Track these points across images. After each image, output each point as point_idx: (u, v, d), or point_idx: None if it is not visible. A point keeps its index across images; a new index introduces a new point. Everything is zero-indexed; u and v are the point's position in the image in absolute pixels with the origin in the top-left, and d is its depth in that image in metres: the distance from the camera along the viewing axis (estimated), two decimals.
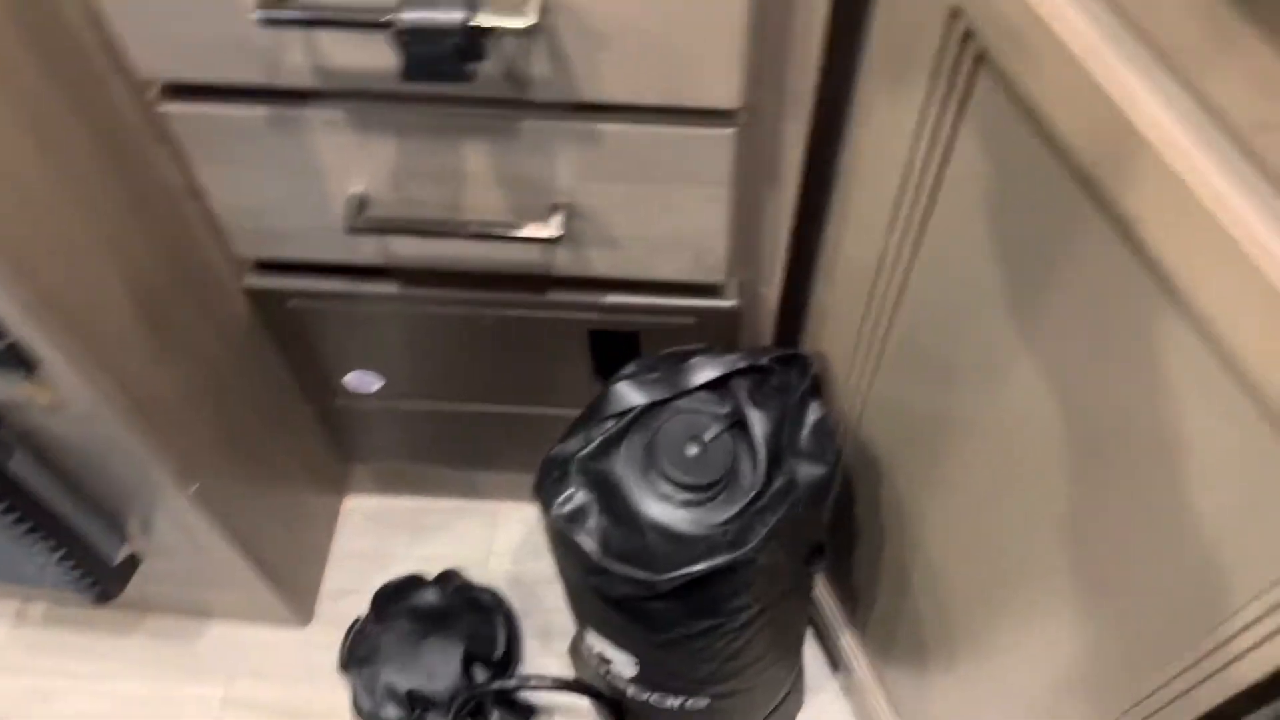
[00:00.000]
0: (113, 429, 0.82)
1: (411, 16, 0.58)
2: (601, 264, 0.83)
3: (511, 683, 1.15)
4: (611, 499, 0.80)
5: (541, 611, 1.26)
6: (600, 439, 0.81)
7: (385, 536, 1.32)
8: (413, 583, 1.22)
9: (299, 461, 1.19)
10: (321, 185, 0.77)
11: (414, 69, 0.60)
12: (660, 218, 0.78)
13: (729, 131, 0.70)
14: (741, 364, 0.83)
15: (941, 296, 0.69)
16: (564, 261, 0.83)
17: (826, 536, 0.91)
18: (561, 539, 0.80)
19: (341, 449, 1.20)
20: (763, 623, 0.89)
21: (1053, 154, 0.51)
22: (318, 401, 1.08)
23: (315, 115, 0.71)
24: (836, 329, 0.87)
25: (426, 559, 1.28)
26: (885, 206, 0.69)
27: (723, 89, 0.66)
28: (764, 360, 0.84)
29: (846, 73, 0.75)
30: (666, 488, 0.79)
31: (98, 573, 0.98)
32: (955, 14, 0.54)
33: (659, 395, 0.83)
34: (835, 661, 1.18)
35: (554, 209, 0.77)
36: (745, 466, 0.81)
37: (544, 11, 0.61)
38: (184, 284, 0.87)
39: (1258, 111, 0.41)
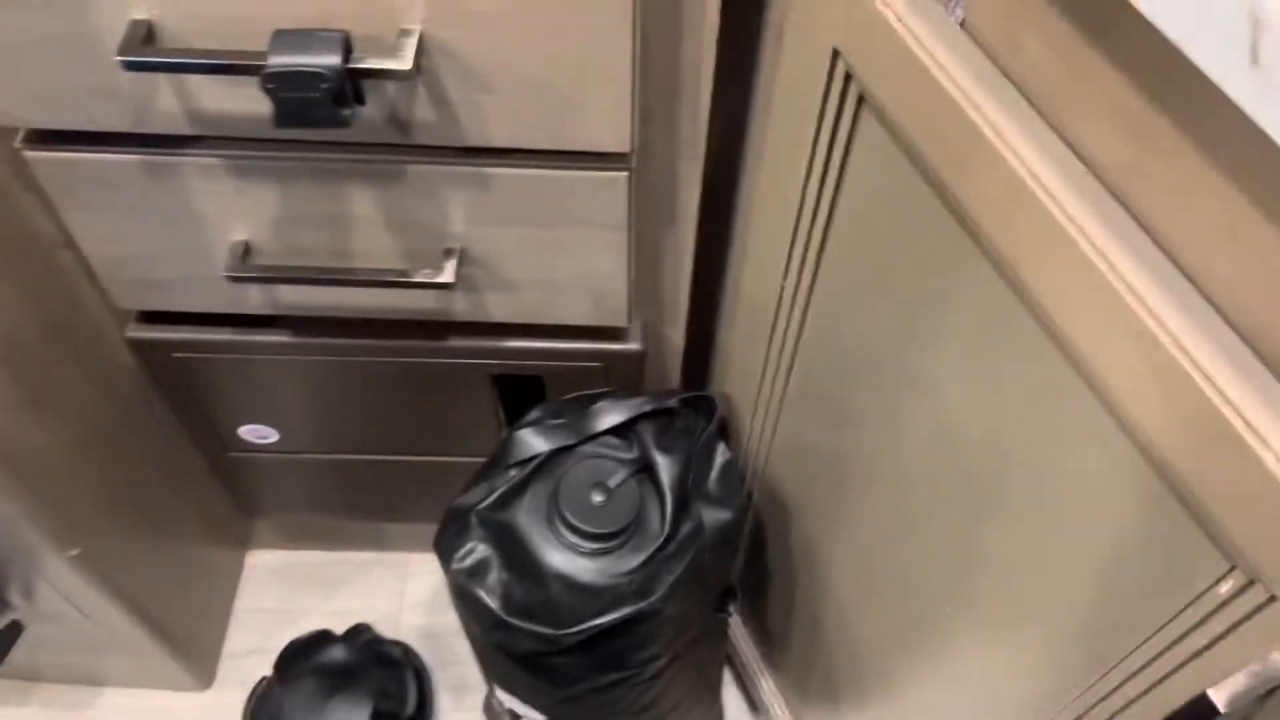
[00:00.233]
0: None
1: (281, 61, 0.56)
2: (500, 309, 0.81)
3: None
4: (514, 551, 0.77)
5: (455, 665, 1.22)
6: (502, 489, 0.79)
7: (291, 592, 1.28)
8: (320, 639, 1.18)
9: (195, 517, 1.14)
10: (201, 233, 0.74)
11: (286, 115, 0.58)
12: (557, 261, 0.76)
13: (622, 174, 0.69)
14: (647, 407, 0.82)
15: (837, 337, 0.68)
16: (461, 307, 0.81)
17: (738, 580, 0.90)
18: (463, 595, 0.77)
19: (241, 503, 1.15)
20: (674, 672, 0.87)
21: (934, 193, 0.51)
22: (212, 455, 1.04)
23: (190, 161, 0.68)
24: (740, 370, 0.86)
25: (335, 614, 1.24)
26: (781, 246, 0.69)
27: (612, 132, 0.65)
28: (670, 403, 0.83)
29: (739, 113, 0.74)
30: (571, 537, 0.77)
31: None
32: (836, 55, 0.54)
33: (563, 441, 0.81)
34: (755, 704, 1.16)
35: (447, 254, 0.74)
36: (652, 513, 0.79)
37: (422, 55, 0.60)
38: (60, 337, 0.83)
39: (1124, 154, 0.41)
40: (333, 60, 0.56)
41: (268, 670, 1.16)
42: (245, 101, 0.63)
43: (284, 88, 0.56)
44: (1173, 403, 0.39)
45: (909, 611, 0.72)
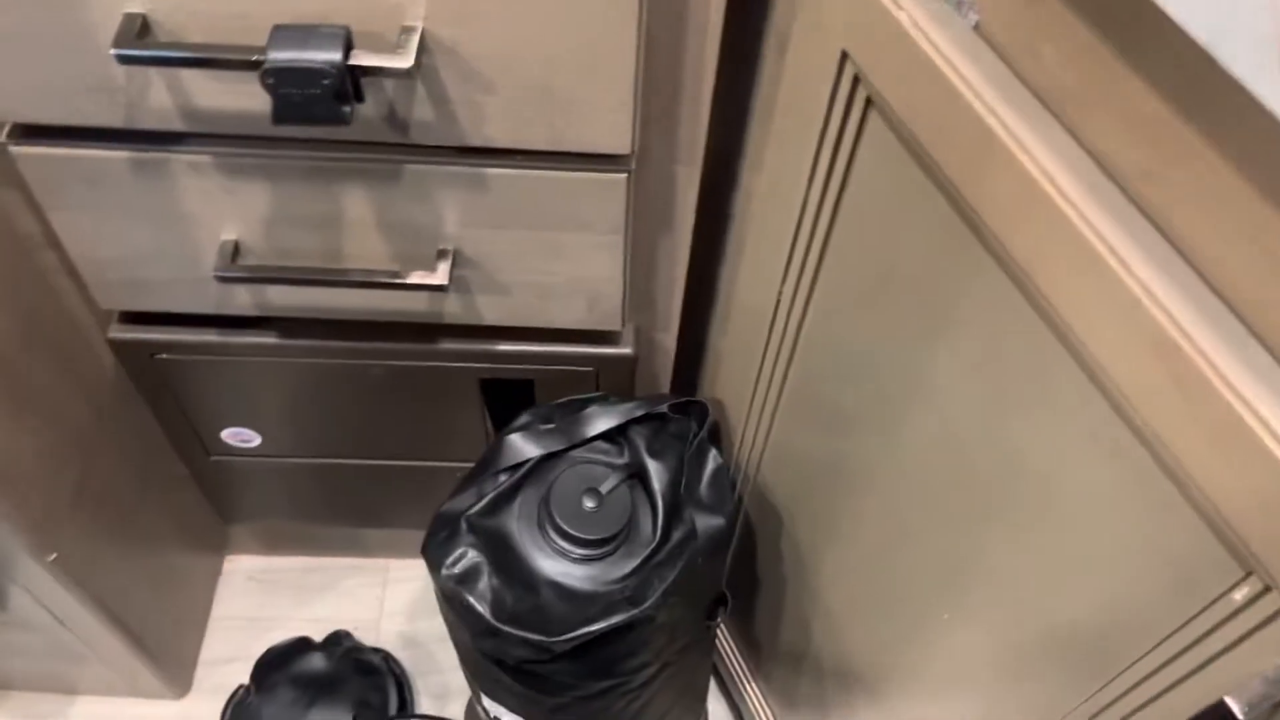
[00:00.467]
0: None
1: (282, 56, 0.55)
2: (492, 312, 0.80)
3: None
4: (504, 557, 0.76)
5: (437, 672, 1.21)
6: (492, 494, 0.78)
7: (269, 598, 1.26)
8: (299, 646, 1.16)
9: (173, 522, 1.12)
10: (189, 233, 0.72)
11: (285, 111, 0.56)
12: (552, 264, 0.75)
13: (620, 176, 0.68)
14: (638, 412, 0.81)
15: (836, 342, 0.68)
16: (453, 309, 0.80)
17: (727, 587, 0.89)
18: (452, 601, 0.76)
19: (220, 508, 1.13)
20: (664, 679, 0.86)
21: (944, 198, 0.50)
22: (193, 459, 1.02)
23: (180, 159, 0.67)
24: (733, 375, 0.85)
25: (314, 621, 1.22)
26: (780, 251, 0.68)
27: (613, 134, 0.64)
28: (661, 408, 0.82)
29: (737, 117, 0.74)
30: (562, 544, 0.76)
31: None
32: (845, 57, 0.53)
33: (554, 446, 0.80)
34: (740, 713, 1.16)
35: (440, 255, 0.74)
36: (643, 519, 0.78)
37: (424, 52, 0.59)
38: (40, 338, 0.81)
39: (1140, 159, 0.41)
40: (334, 56, 0.55)
41: (245, 678, 1.14)
42: (240, 98, 0.62)
43: (284, 83, 0.55)
44: (1193, 409, 0.39)
45: (902, 620, 0.72)
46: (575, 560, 0.76)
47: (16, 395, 0.79)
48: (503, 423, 0.84)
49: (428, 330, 0.84)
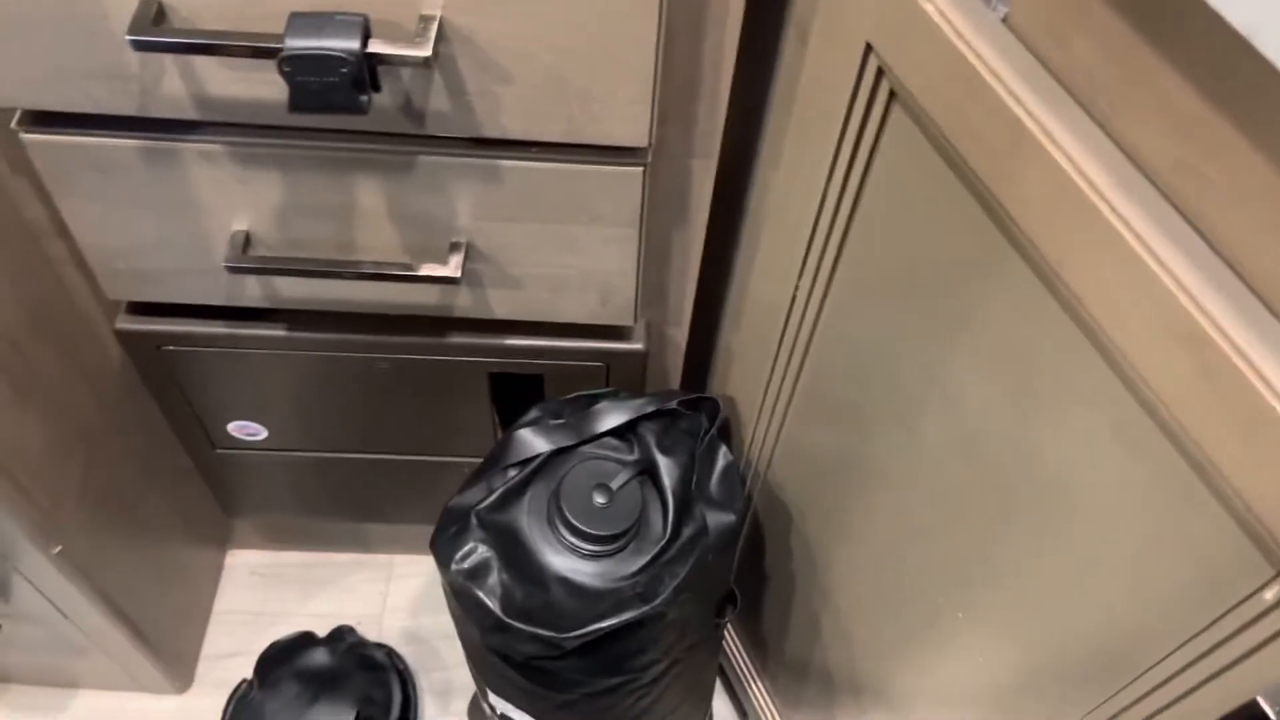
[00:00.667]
0: None
1: (300, 44, 0.54)
2: (503, 305, 0.79)
3: None
4: (514, 553, 0.76)
5: (440, 669, 1.20)
6: (501, 489, 0.77)
7: (272, 593, 1.25)
8: (302, 642, 1.16)
9: (178, 515, 1.11)
10: (200, 223, 0.72)
11: (302, 100, 0.56)
12: (565, 257, 0.75)
13: (637, 170, 0.68)
14: (649, 408, 0.81)
15: (853, 339, 0.68)
16: (464, 303, 0.79)
17: (735, 586, 0.89)
18: (461, 597, 0.76)
19: (225, 502, 1.12)
20: (672, 677, 0.85)
21: (969, 192, 0.50)
22: (198, 452, 1.01)
23: (192, 148, 0.66)
24: (745, 372, 0.85)
25: (317, 616, 1.22)
26: (797, 246, 0.68)
27: (631, 126, 0.64)
28: (672, 404, 0.82)
29: (753, 111, 0.73)
30: (572, 539, 0.76)
31: None
32: (869, 50, 0.53)
33: (564, 442, 0.80)
34: (744, 711, 1.15)
35: (453, 248, 0.73)
36: (654, 515, 0.78)
37: (441, 41, 0.58)
38: (47, 328, 0.81)
39: (1174, 151, 0.40)
40: (353, 44, 0.54)
41: (248, 673, 1.14)
42: (254, 86, 0.62)
43: (301, 71, 0.54)
44: (1224, 403, 0.38)
45: (912, 620, 0.71)
46: (585, 556, 0.75)
47: (23, 386, 0.78)
48: (510, 419, 0.84)
49: (437, 324, 0.84)
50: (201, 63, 0.61)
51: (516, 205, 0.70)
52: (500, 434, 0.92)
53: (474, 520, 0.76)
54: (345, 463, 1.03)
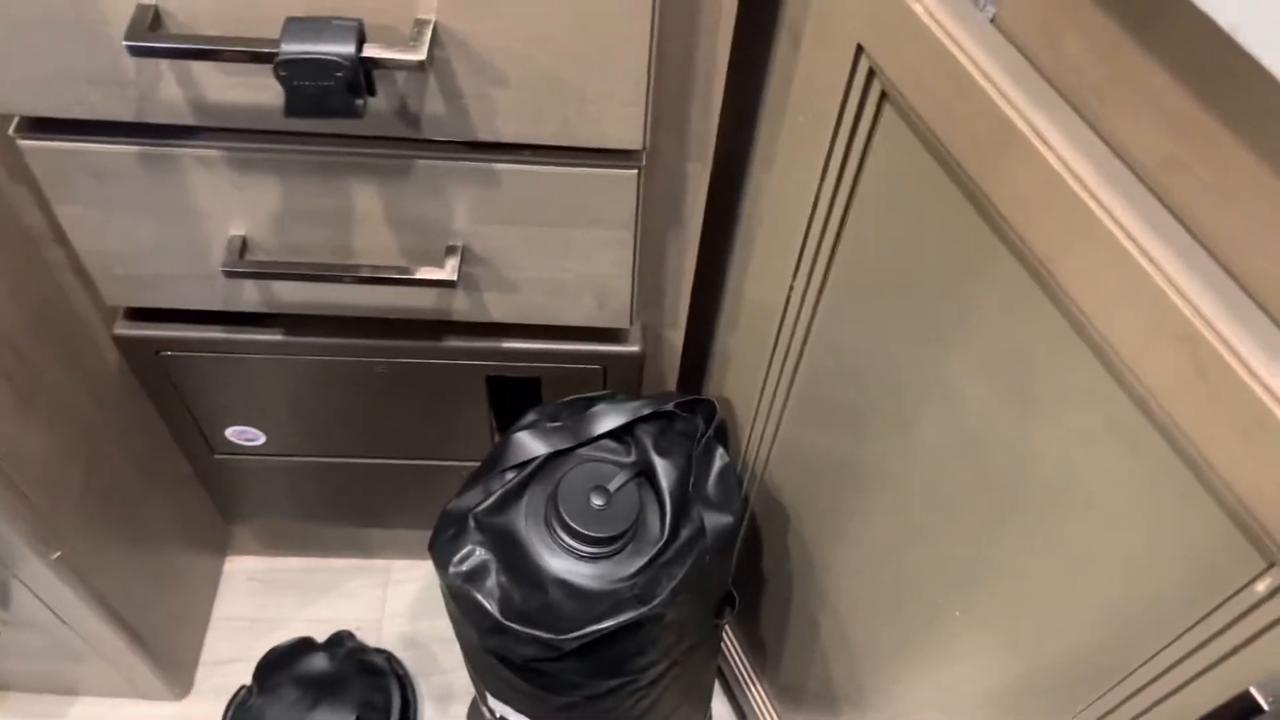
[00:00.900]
0: None
1: (295, 48, 0.55)
2: (500, 308, 0.80)
3: None
4: (512, 555, 0.76)
5: (439, 673, 1.20)
6: (499, 492, 0.78)
7: (271, 599, 1.25)
8: (301, 647, 1.16)
9: (176, 521, 1.11)
10: (197, 228, 0.72)
11: (298, 104, 0.56)
12: (561, 260, 0.75)
13: (631, 172, 0.68)
14: (646, 410, 0.81)
15: (847, 340, 0.68)
16: (461, 306, 0.79)
17: (733, 587, 0.89)
18: (459, 599, 0.76)
19: (223, 507, 1.13)
20: (670, 678, 0.86)
21: (961, 192, 0.50)
22: (196, 457, 1.02)
23: (189, 153, 0.67)
24: (740, 374, 0.85)
25: (316, 621, 1.22)
26: (790, 248, 0.68)
27: (625, 129, 0.64)
28: (668, 406, 0.82)
29: (747, 114, 0.74)
30: (570, 542, 0.76)
31: None
32: (860, 51, 0.53)
33: (561, 444, 0.80)
34: (743, 713, 1.15)
35: (449, 252, 0.73)
36: (651, 517, 0.78)
37: (436, 45, 0.59)
38: (46, 334, 0.81)
39: (1163, 149, 0.41)
40: (348, 49, 0.55)
41: (246, 679, 1.14)
42: (250, 91, 0.62)
43: (297, 76, 0.55)
44: (1216, 399, 0.39)
45: (910, 620, 0.72)
46: (583, 558, 0.76)
47: (22, 392, 0.79)
48: (507, 422, 0.84)
49: (435, 328, 0.84)
50: (198, 68, 0.61)
51: (512, 208, 0.71)
52: (498, 437, 0.92)
53: (472, 523, 0.77)
54: (343, 467, 1.03)
